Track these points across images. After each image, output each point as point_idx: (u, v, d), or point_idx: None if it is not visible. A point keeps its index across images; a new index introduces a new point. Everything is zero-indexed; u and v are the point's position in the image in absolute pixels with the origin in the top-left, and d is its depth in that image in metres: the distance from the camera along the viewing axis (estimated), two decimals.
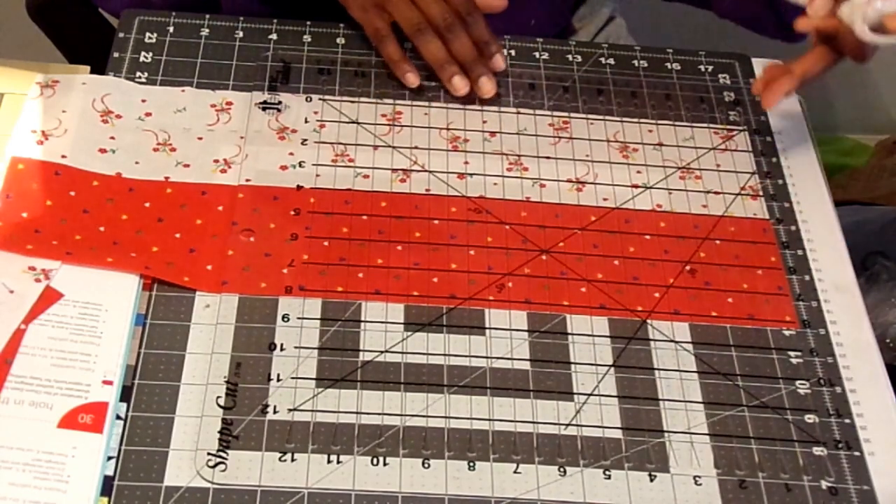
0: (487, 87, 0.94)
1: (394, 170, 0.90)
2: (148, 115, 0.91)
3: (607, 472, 0.74)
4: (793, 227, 0.90)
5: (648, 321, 0.83)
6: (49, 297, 0.78)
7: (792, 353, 0.82)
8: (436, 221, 0.87)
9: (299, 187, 0.87)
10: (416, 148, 0.92)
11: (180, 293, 0.80)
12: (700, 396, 0.79)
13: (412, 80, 0.94)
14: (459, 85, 0.93)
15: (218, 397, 0.75)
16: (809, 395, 0.80)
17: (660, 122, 0.96)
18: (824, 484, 0.75)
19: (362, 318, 0.80)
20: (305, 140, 0.91)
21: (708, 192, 0.92)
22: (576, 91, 0.98)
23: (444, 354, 0.79)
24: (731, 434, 0.77)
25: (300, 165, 0.89)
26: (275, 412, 0.75)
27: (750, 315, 0.84)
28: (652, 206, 0.90)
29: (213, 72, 0.95)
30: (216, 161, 0.88)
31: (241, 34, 0.98)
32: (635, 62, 1.01)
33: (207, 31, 0.97)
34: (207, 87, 0.93)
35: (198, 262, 0.82)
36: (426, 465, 0.74)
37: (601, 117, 0.96)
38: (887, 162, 1.70)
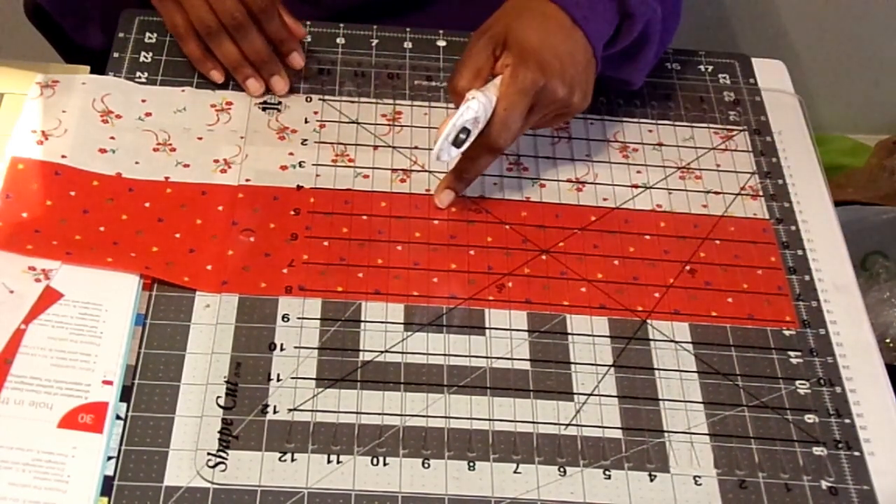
0: (279, 85, 0.92)
1: (394, 170, 0.90)
2: (148, 115, 0.91)
3: (607, 472, 0.74)
4: (793, 227, 0.90)
5: (648, 321, 0.82)
6: (49, 297, 0.78)
7: (792, 353, 0.82)
8: (436, 221, 0.87)
9: (299, 187, 0.87)
10: (416, 148, 0.92)
11: (180, 293, 0.80)
12: (700, 396, 0.79)
13: (216, 76, 0.92)
14: (252, 87, 0.92)
15: (218, 397, 0.75)
16: (809, 395, 0.80)
17: (660, 122, 0.96)
18: (824, 484, 0.75)
19: (362, 318, 0.80)
20: (305, 140, 0.91)
21: (708, 192, 0.92)
22: None
23: (444, 354, 0.79)
24: (731, 434, 0.77)
25: (300, 165, 0.89)
26: (275, 412, 0.75)
27: (750, 315, 0.84)
28: (652, 206, 0.90)
29: None
30: (216, 161, 0.88)
31: None
32: None
33: None
34: (207, 87, 0.93)
35: (198, 262, 0.82)
36: (426, 465, 0.73)
37: (601, 117, 0.96)
38: (887, 162, 1.70)
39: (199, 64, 0.92)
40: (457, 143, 0.81)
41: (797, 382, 0.81)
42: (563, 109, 0.85)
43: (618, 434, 0.76)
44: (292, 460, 0.73)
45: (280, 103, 0.93)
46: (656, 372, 0.80)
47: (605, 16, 0.85)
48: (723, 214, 0.90)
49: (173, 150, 0.89)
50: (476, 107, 0.80)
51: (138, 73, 0.93)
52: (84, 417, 0.73)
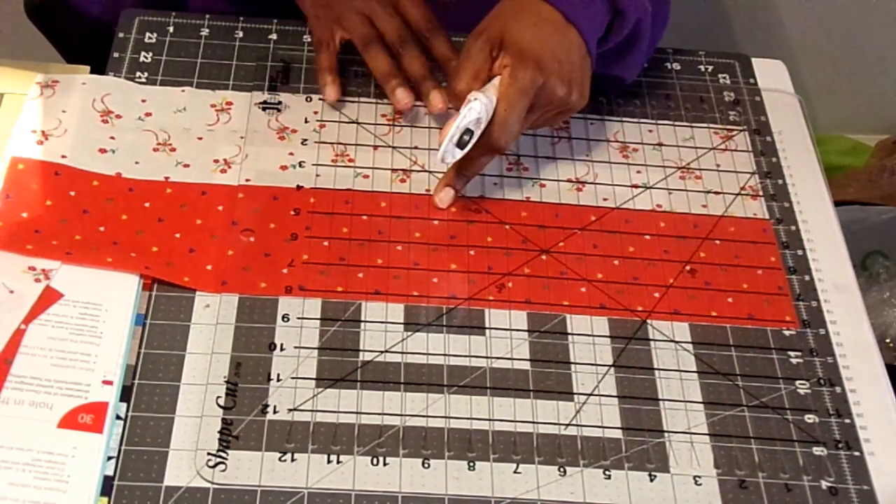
0: (437, 100, 0.90)
1: (394, 170, 0.90)
2: (148, 115, 0.91)
3: (607, 472, 0.74)
4: (793, 227, 0.90)
5: (648, 321, 0.83)
6: (49, 297, 0.78)
7: (792, 353, 0.82)
8: (436, 221, 0.87)
9: (299, 187, 0.87)
10: (416, 148, 0.92)
11: (180, 293, 0.80)
12: (700, 396, 0.79)
13: (331, 92, 0.92)
14: (401, 96, 0.91)
15: (218, 397, 0.75)
16: (809, 395, 0.80)
17: (660, 122, 0.96)
18: (824, 484, 0.75)
19: (362, 318, 0.80)
20: (305, 140, 0.91)
21: (708, 192, 0.92)
22: None
23: (444, 354, 0.79)
24: (731, 434, 0.77)
25: (300, 165, 0.89)
26: (275, 412, 0.75)
27: (750, 315, 0.84)
28: (652, 206, 0.90)
29: (213, 72, 0.95)
30: (216, 161, 0.88)
31: (241, 34, 0.98)
32: None
33: (207, 31, 0.97)
34: (207, 87, 0.93)
35: (198, 262, 0.82)
36: (426, 465, 0.74)
37: (601, 117, 0.96)
38: (887, 162, 1.70)
39: (322, 73, 0.92)
40: (460, 144, 0.81)
41: (797, 382, 0.81)
42: (561, 108, 0.86)
43: (618, 434, 0.76)
44: (292, 460, 0.73)
45: (280, 103, 0.93)
46: (656, 372, 0.80)
47: (598, 13, 0.86)
48: (723, 214, 0.90)
49: (173, 150, 0.89)
50: (478, 107, 0.80)
51: (138, 73, 0.93)
52: (84, 417, 0.73)
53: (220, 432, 0.73)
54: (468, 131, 0.81)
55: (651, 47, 0.95)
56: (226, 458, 0.72)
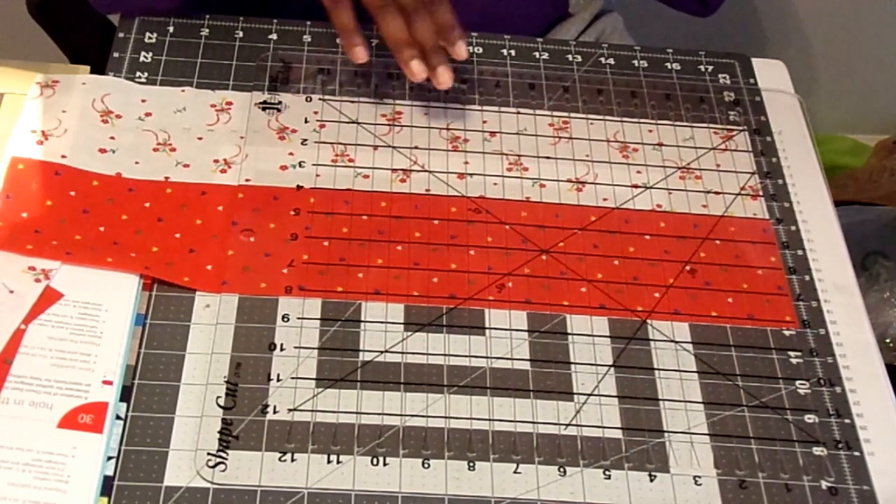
0: (445, 76, 0.89)
1: (394, 170, 0.90)
2: (148, 115, 0.91)
3: (607, 472, 0.74)
4: (793, 227, 0.90)
5: (648, 321, 0.83)
6: (49, 297, 0.78)
7: (792, 353, 0.82)
8: (436, 221, 0.87)
9: (299, 187, 0.87)
10: (416, 148, 0.92)
11: (180, 293, 0.80)
12: (700, 396, 0.79)
13: (360, 54, 0.90)
14: (417, 69, 0.88)
15: (218, 397, 0.75)
16: (809, 395, 0.80)
17: (660, 122, 0.96)
18: (824, 484, 0.75)
19: (362, 318, 0.80)
20: (305, 140, 0.91)
21: (708, 192, 0.92)
22: (576, 91, 0.98)
23: (444, 354, 0.79)
24: (731, 434, 0.77)
25: (300, 165, 0.89)
26: (275, 412, 0.75)
27: (750, 315, 0.84)
28: (652, 206, 0.90)
29: (213, 72, 0.95)
30: (216, 161, 0.88)
31: (241, 34, 0.98)
32: (635, 62, 1.01)
33: (207, 31, 0.97)
34: (207, 87, 0.93)
35: (198, 262, 0.82)
36: (426, 465, 0.74)
37: (601, 117, 0.96)
38: (887, 162, 1.70)
39: (347, 35, 0.90)
40: None
41: (797, 382, 0.81)
42: None
43: (618, 434, 0.76)
44: (292, 460, 0.73)
45: (280, 103, 0.93)
46: (656, 372, 0.80)
47: None
48: (723, 214, 0.90)
49: (173, 150, 0.89)
50: None
51: (138, 73, 0.93)
52: (84, 417, 0.73)
53: (220, 432, 0.74)
54: None
55: None
56: (226, 458, 0.72)
